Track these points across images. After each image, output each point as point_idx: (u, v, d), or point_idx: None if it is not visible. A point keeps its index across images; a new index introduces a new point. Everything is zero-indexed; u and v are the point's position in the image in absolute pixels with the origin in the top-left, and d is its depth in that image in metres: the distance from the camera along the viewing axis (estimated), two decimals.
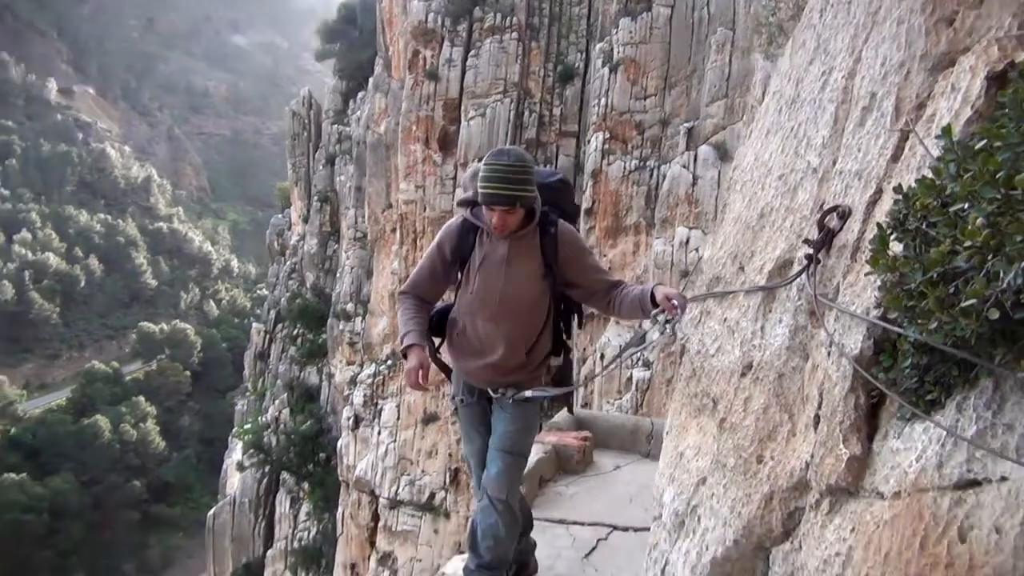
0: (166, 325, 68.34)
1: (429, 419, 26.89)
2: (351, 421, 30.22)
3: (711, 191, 18.13)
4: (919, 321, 1.09)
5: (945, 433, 1.08)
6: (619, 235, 21.37)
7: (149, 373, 65.47)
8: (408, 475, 27.36)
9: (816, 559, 1.32)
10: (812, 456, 1.38)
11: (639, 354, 17.65)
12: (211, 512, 38.05)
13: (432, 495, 26.94)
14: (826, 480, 1.33)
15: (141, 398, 61.04)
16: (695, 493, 1.82)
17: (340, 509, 30.06)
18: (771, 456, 1.54)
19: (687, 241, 18.22)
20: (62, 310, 68.55)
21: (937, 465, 1.08)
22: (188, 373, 65.94)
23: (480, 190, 2.95)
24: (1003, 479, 0.98)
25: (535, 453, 4.85)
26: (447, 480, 26.50)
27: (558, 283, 3.13)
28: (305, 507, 34.17)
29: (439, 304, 3.36)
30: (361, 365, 31.60)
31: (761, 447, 1.58)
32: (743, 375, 1.70)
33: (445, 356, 3.39)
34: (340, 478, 30.23)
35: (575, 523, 4.34)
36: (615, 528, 4.27)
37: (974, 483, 1.02)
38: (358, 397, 30.10)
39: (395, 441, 28.00)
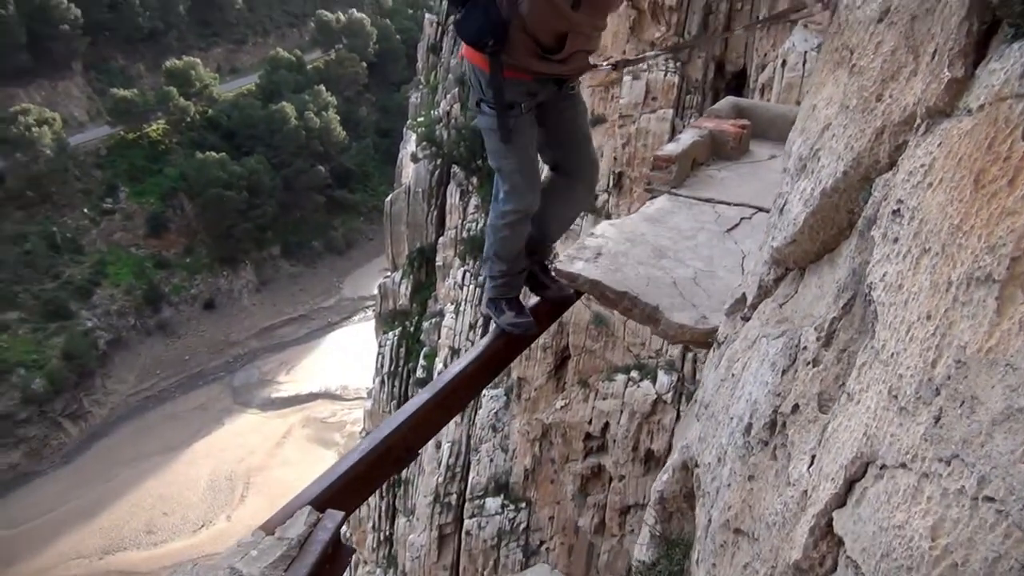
0: (343, 14, 68.98)
1: (596, 121, 26.82)
2: None
3: None
4: None
5: None
6: None
7: (328, 62, 67.16)
8: None
9: (904, 172, 1.48)
10: (924, 88, 1.49)
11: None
12: (388, 199, 40.61)
13: (595, 197, 27.58)
14: (926, 104, 1.45)
15: (322, 87, 63.27)
16: (819, 138, 1.95)
17: None
18: (890, 95, 1.64)
19: None
20: None
21: (1020, 76, 1.19)
22: (365, 64, 67.29)
23: None
24: None
25: (690, 135, 4.99)
26: (610, 183, 26.96)
27: None
28: (474, 200, 35.77)
29: None
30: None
31: (883, 87, 1.67)
32: (879, 20, 1.75)
33: None
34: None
35: (722, 203, 4.53)
36: (760, 210, 4.44)
37: None
38: None
39: None
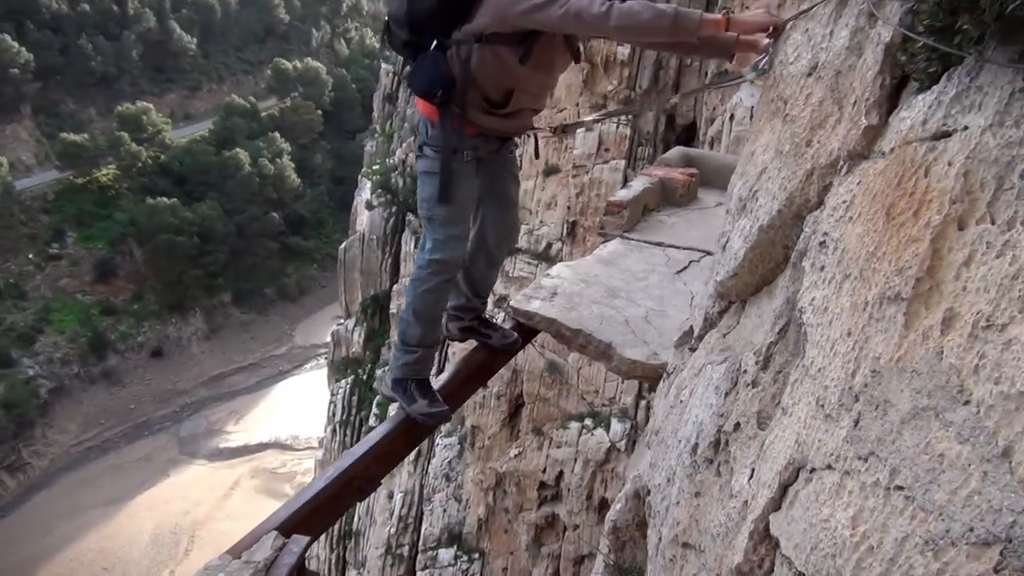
0: (299, 63, 69.47)
1: (550, 171, 27.33)
2: None
3: None
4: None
5: (935, 98, 1.36)
6: None
7: (284, 110, 67.39)
8: (527, 224, 28.33)
9: (829, 208, 1.65)
10: (846, 134, 1.67)
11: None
12: (342, 246, 40.57)
13: (549, 245, 27.95)
14: (847, 148, 1.63)
15: (277, 134, 63.41)
16: (757, 180, 2.13)
17: None
18: (818, 141, 1.82)
19: None
20: (200, 41, 70.18)
21: (922, 121, 1.37)
22: (320, 112, 67.69)
23: None
24: (965, 128, 1.27)
25: (641, 183, 5.22)
26: (564, 232, 27.37)
27: None
28: None
29: None
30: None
31: (812, 133, 1.85)
32: (809, 75, 1.95)
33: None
34: None
35: (672, 246, 4.74)
36: (708, 253, 4.64)
37: (945, 135, 1.31)
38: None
39: None
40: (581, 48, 3.24)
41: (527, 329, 4.01)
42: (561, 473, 19.75)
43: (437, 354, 4.00)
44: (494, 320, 4.04)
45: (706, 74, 18.46)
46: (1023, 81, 1.15)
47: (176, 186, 58.80)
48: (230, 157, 59.19)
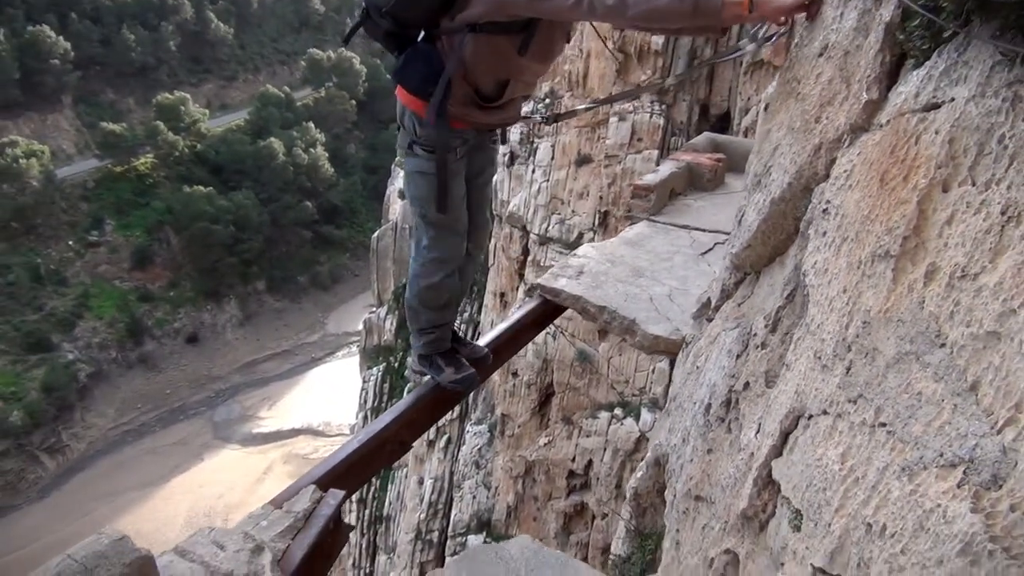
0: (333, 53, 69.92)
1: (583, 160, 27.34)
2: (507, 158, 31.09)
3: None
4: None
5: (927, 72, 1.47)
6: None
7: (318, 100, 67.90)
8: (559, 214, 28.35)
9: (832, 178, 1.76)
10: (850, 109, 1.78)
11: None
12: (375, 235, 40.90)
13: (580, 235, 27.97)
14: (850, 122, 1.74)
15: (311, 124, 64.04)
16: (771, 157, 2.24)
17: (492, 241, 31.80)
18: (826, 117, 1.93)
19: None
20: (236, 32, 71.01)
21: (915, 94, 1.48)
22: (354, 102, 68.12)
23: None
24: (952, 99, 1.38)
25: (669, 167, 5.32)
26: (595, 222, 27.37)
27: None
28: None
29: None
30: (524, 98, 31.85)
31: (821, 110, 1.96)
32: (820, 55, 2.05)
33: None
34: (494, 212, 31.69)
35: (697, 229, 4.85)
36: None
37: (935, 106, 1.42)
38: (515, 135, 30.68)
39: (548, 180, 28.82)
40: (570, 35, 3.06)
41: (551, 308, 4.13)
42: (590, 462, 19.85)
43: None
44: (461, 335, 3.80)
45: (741, 63, 18.38)
46: (1001, 55, 1.25)
47: (212, 175, 59.58)
48: (264, 147, 59.84)
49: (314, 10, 77.78)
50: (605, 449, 19.35)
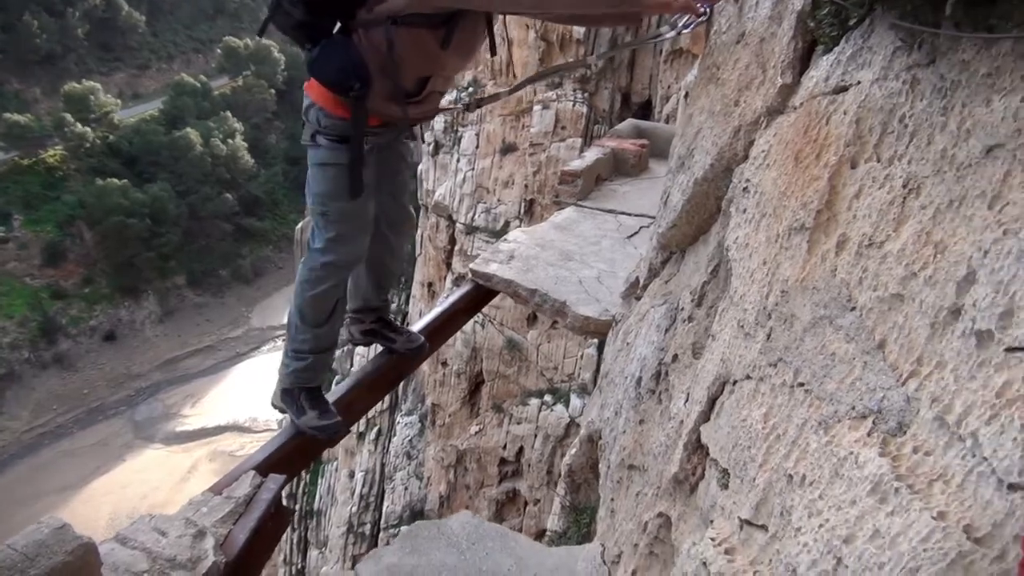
0: (251, 41, 68.38)
1: (507, 149, 27.45)
2: (431, 147, 30.99)
3: None
4: None
5: (835, 57, 1.58)
6: None
7: (235, 89, 66.45)
8: (484, 203, 28.41)
9: (751, 158, 1.87)
10: (766, 93, 1.89)
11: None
12: (298, 227, 40.20)
13: (507, 223, 28.07)
14: (766, 105, 1.85)
15: (228, 113, 62.52)
16: (694, 140, 2.35)
17: (419, 231, 31.72)
18: (744, 101, 2.04)
19: None
20: (149, 19, 68.81)
21: (825, 78, 1.59)
22: (273, 91, 66.85)
23: None
24: (858, 82, 1.48)
25: (594, 153, 5.44)
26: (521, 210, 27.55)
27: None
28: None
29: None
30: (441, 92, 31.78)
31: (739, 94, 2.07)
32: (737, 42, 2.16)
33: None
34: (420, 202, 31.58)
35: (623, 213, 4.98)
36: None
37: (843, 88, 1.53)
38: (438, 123, 30.60)
39: (473, 169, 28.84)
40: (494, 29, 2.90)
41: (484, 293, 4.19)
42: (521, 449, 20.04)
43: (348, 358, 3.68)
44: (397, 323, 3.74)
45: (661, 52, 18.72)
46: (900, 41, 1.36)
47: (126, 167, 57.64)
48: (180, 137, 58.14)
49: None
50: (536, 436, 19.56)
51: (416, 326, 3.87)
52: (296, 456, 2.89)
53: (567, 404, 19.04)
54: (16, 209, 53.49)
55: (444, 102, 3.20)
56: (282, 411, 3.09)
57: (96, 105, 57.80)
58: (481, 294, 4.19)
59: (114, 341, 53.25)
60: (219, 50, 69.83)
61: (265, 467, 2.63)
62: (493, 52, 2.90)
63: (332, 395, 3.22)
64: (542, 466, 19.14)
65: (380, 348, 3.73)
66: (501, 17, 2.90)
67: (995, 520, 0.88)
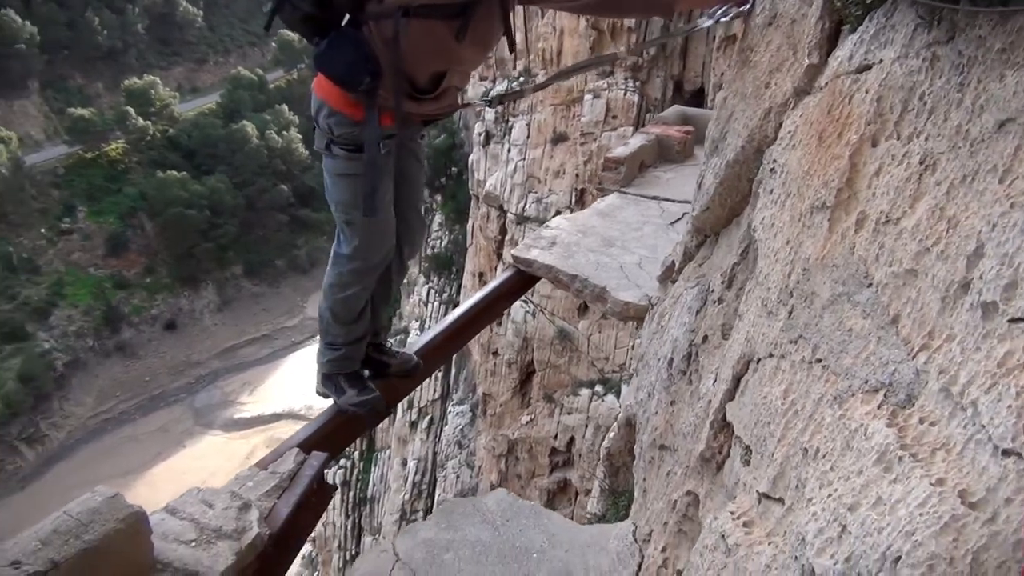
0: None
1: (558, 139, 27.39)
2: (482, 137, 31.01)
3: None
4: None
5: (859, 37, 1.58)
6: None
7: (291, 82, 67.41)
8: (535, 192, 28.39)
9: (779, 138, 1.88)
10: (795, 74, 1.89)
11: None
12: None
13: (557, 212, 27.98)
14: (795, 85, 1.85)
15: (284, 106, 63.55)
16: (727, 123, 2.34)
17: (470, 221, 31.75)
18: (775, 83, 2.05)
19: None
20: (205, 14, 70.15)
21: (849, 58, 1.59)
22: None
23: None
24: (880, 61, 1.49)
25: (639, 140, 5.43)
26: (572, 200, 27.46)
27: None
28: (438, 217, 36.23)
29: None
30: (493, 81, 31.85)
31: (770, 76, 2.07)
32: (769, 24, 2.16)
33: None
34: (471, 192, 31.63)
35: (666, 199, 4.97)
36: None
37: (866, 67, 1.53)
38: (489, 113, 30.61)
39: (524, 159, 28.83)
40: (512, 23, 2.74)
41: (525, 279, 4.23)
42: (572, 439, 20.06)
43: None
44: (391, 347, 3.60)
45: (714, 38, 18.52)
46: (920, 18, 1.37)
47: (185, 160, 58.99)
48: (237, 130, 59.32)
49: None
50: (587, 426, 19.55)
51: (460, 308, 3.91)
52: (338, 434, 2.98)
53: (618, 394, 18.98)
54: (80, 201, 55.12)
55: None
56: (325, 396, 3.23)
57: (156, 99, 59.15)
58: (523, 280, 4.23)
59: (174, 330, 54.60)
60: (274, 43, 70.83)
61: (308, 445, 2.72)
62: (512, 46, 2.75)
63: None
64: (593, 456, 19.14)
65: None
66: (520, 9, 2.78)
67: (989, 485, 0.90)
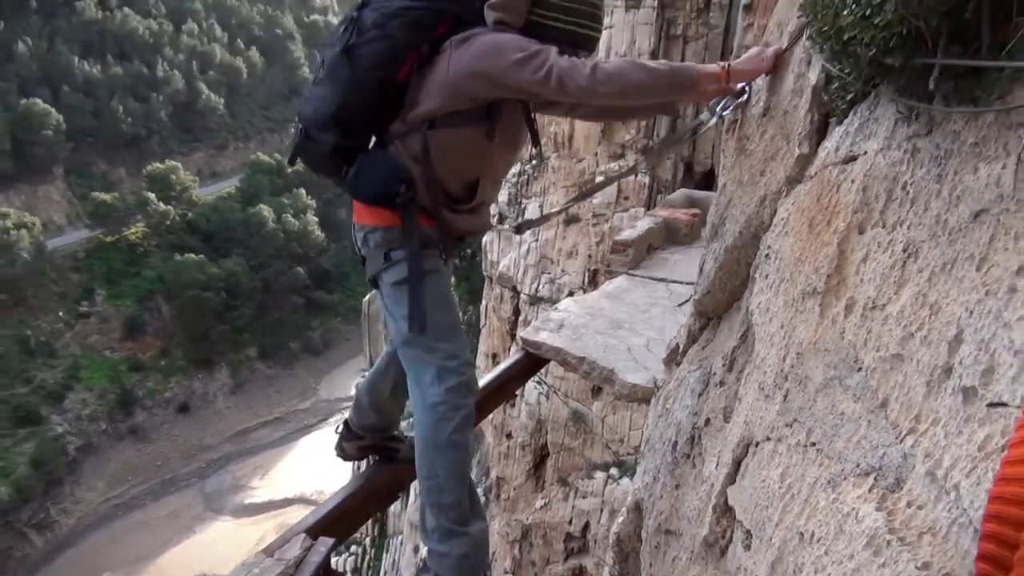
0: None
1: (571, 220, 27.73)
2: (495, 219, 31.41)
3: None
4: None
5: (844, 129, 1.65)
6: None
7: None
8: (548, 273, 28.58)
9: (773, 225, 1.93)
10: (787, 163, 1.96)
11: None
12: (366, 299, 41.03)
13: (570, 293, 28.06)
14: (787, 174, 1.91)
15: (302, 190, 64.82)
16: (726, 209, 2.42)
17: (484, 302, 31.90)
18: (770, 171, 2.11)
19: None
20: (227, 101, 72.26)
21: (836, 149, 1.65)
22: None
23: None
24: (865, 152, 1.55)
25: (646, 223, 5.53)
26: (585, 280, 27.62)
27: None
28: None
29: None
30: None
31: (765, 164, 2.14)
32: (763, 115, 2.24)
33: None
34: (484, 273, 31.88)
35: (674, 281, 5.03)
36: None
37: (852, 158, 1.59)
38: (502, 196, 31.08)
39: (537, 240, 29.13)
40: (535, 121, 2.68)
41: (535, 361, 4.26)
42: (587, 524, 19.70)
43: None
44: (400, 432, 3.35)
45: (723, 121, 18.86)
46: (899, 113, 1.43)
47: (203, 243, 59.98)
48: (255, 213, 60.45)
49: (304, 79, 79.17)
50: (602, 510, 19.21)
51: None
52: (346, 520, 2.97)
53: (633, 477, 18.68)
54: (99, 284, 55.88)
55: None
56: None
57: (176, 183, 60.47)
58: (532, 361, 4.26)
59: (187, 412, 54.55)
60: (292, 129, 72.17)
61: (316, 530, 2.71)
62: (536, 142, 2.66)
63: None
64: (608, 542, 18.73)
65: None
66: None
67: (971, 568, 0.91)
